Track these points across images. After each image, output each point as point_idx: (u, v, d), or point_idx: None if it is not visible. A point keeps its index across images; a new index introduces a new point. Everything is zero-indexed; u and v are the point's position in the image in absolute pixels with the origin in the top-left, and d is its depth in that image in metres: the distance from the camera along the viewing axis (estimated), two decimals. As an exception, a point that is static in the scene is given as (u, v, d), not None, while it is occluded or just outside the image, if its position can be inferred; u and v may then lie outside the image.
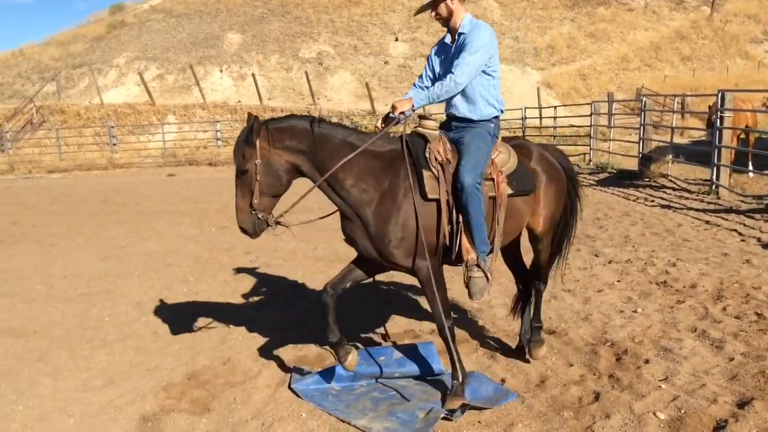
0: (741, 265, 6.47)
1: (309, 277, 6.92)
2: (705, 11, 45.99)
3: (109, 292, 6.70)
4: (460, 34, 3.81)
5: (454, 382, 3.74)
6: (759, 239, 7.60)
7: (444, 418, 3.58)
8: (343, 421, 3.63)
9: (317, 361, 4.57)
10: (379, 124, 3.86)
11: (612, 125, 18.57)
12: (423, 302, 5.54)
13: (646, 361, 4.20)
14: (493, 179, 3.81)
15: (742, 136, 13.30)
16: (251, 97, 33.00)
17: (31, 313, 6.04)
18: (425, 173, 3.63)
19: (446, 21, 3.86)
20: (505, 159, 3.94)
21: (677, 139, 16.26)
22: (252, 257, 8.07)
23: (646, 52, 42.03)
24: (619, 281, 6.24)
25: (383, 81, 37.05)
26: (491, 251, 3.86)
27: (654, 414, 3.49)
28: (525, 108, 22.90)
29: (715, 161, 11.34)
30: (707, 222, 8.93)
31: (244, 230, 3.62)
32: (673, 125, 15.73)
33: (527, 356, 4.37)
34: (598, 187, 13.42)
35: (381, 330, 5.17)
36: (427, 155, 3.69)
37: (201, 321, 5.53)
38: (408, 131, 3.81)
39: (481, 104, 3.86)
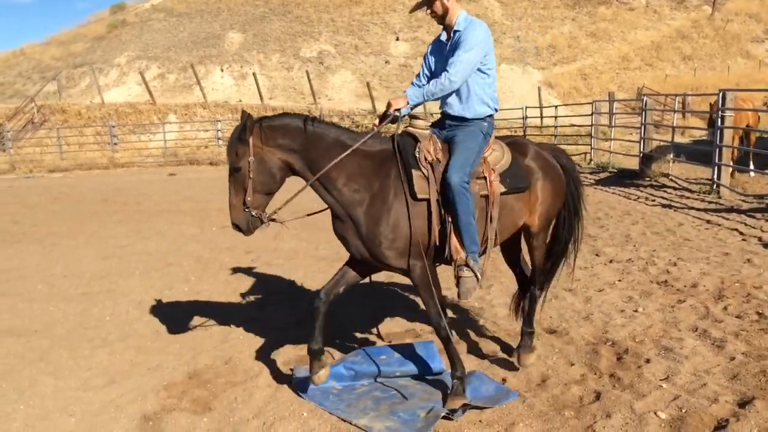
0: (742, 265, 6.46)
1: (310, 277, 6.93)
2: (706, 10, 45.97)
3: (110, 291, 6.71)
4: (455, 31, 3.80)
5: (454, 381, 3.74)
6: (760, 239, 7.59)
7: (445, 417, 3.58)
8: (345, 421, 3.63)
9: (318, 361, 4.57)
10: (376, 122, 3.86)
11: (613, 125, 18.54)
12: (424, 301, 5.54)
13: (647, 361, 4.20)
14: (485, 178, 3.79)
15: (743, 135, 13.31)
16: (252, 96, 33.01)
17: (32, 312, 6.04)
18: (415, 173, 3.62)
19: (442, 19, 3.86)
20: (498, 157, 3.91)
21: (678, 139, 16.24)
22: (253, 257, 8.07)
23: (647, 51, 42.03)
24: (620, 281, 6.24)
25: (384, 80, 37.06)
26: (485, 251, 3.85)
27: (655, 413, 3.49)
28: (526, 107, 22.90)
29: (716, 161, 11.33)
30: (708, 221, 8.92)
31: (237, 227, 3.62)
32: (674, 125, 15.71)
33: (516, 363, 4.27)
34: (599, 186, 13.42)
35: (381, 330, 5.17)
36: (417, 155, 3.68)
37: (202, 320, 5.53)
38: (401, 130, 3.80)
39: (475, 102, 3.85)
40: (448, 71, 3.69)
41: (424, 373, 4.21)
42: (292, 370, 4.36)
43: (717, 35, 43.62)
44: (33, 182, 20.28)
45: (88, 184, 18.62)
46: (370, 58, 39.69)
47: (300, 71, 37.06)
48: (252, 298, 6.35)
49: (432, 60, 4.00)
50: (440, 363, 4.23)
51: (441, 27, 3.95)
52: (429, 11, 3.84)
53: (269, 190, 3.63)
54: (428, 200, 3.62)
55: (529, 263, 4.49)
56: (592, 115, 17.85)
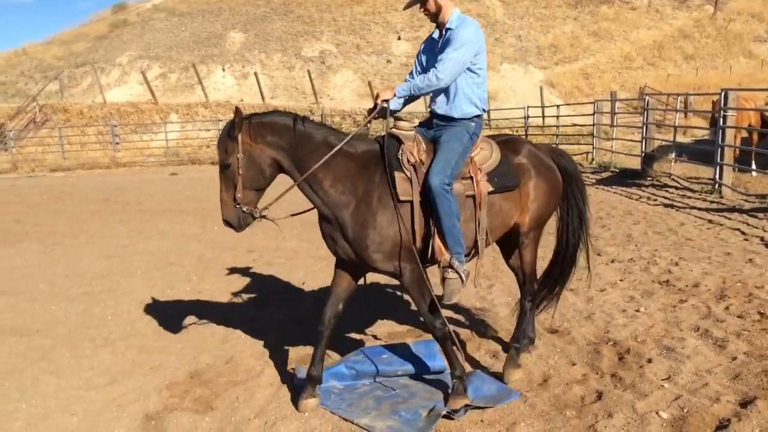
0: (744, 265, 6.45)
1: (311, 277, 6.93)
2: (708, 10, 45.90)
3: (112, 290, 6.72)
4: (447, 29, 3.79)
5: (454, 381, 3.74)
6: (762, 238, 7.58)
7: (446, 417, 3.58)
8: (346, 420, 3.63)
9: (320, 360, 4.57)
10: (366, 114, 3.87)
11: (615, 124, 18.52)
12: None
13: (649, 361, 4.19)
14: (471, 178, 3.77)
15: (745, 134, 13.29)
16: (254, 95, 33.02)
17: (34, 311, 6.05)
18: (398, 175, 3.60)
19: (435, 17, 3.85)
20: (486, 156, 3.88)
21: (680, 138, 16.23)
22: (255, 256, 8.07)
23: (649, 50, 41.98)
24: (621, 280, 6.23)
25: (386, 80, 37.03)
26: (476, 252, 3.82)
27: (656, 413, 3.49)
28: (528, 107, 22.88)
29: (718, 160, 11.32)
30: (710, 221, 8.91)
31: (228, 224, 3.62)
32: (676, 124, 15.70)
33: (503, 378, 4.07)
34: (600, 186, 13.40)
35: (382, 329, 5.17)
36: (400, 156, 3.66)
37: (204, 320, 5.53)
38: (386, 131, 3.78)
39: (463, 102, 3.82)
40: (436, 68, 3.67)
41: (426, 372, 4.21)
42: (293, 369, 4.36)
43: (719, 35, 43.55)
44: (35, 181, 20.31)
45: (89, 184, 18.64)
46: (372, 57, 39.69)
47: (302, 71, 37.07)
48: (253, 297, 6.35)
49: (424, 58, 3.99)
50: (441, 362, 4.22)
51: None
52: (422, 9, 3.83)
53: (259, 186, 3.62)
54: (412, 202, 3.60)
55: (520, 267, 4.33)
56: (594, 114, 17.82)
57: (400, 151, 3.68)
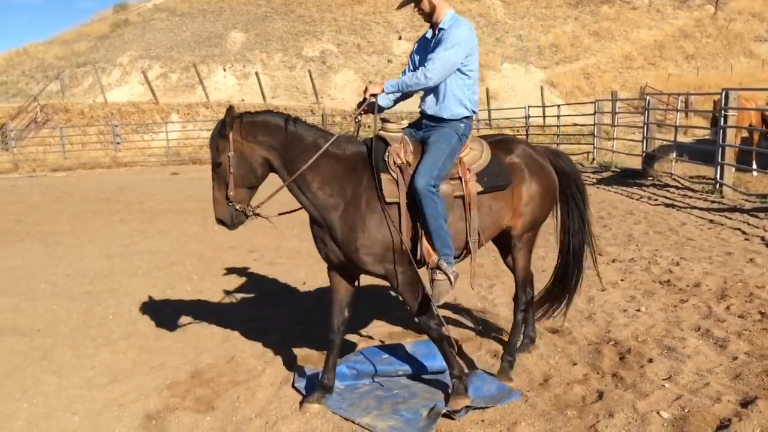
0: (745, 264, 6.45)
1: (312, 276, 6.93)
2: (709, 10, 45.85)
3: (113, 290, 6.72)
4: (440, 29, 3.78)
5: (454, 381, 3.74)
6: (763, 238, 7.58)
7: (447, 416, 3.58)
8: (347, 420, 3.63)
9: (320, 360, 4.55)
10: (355, 106, 3.87)
11: (615, 124, 18.53)
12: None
13: (650, 360, 4.19)
14: (460, 178, 3.75)
15: (745, 134, 13.28)
16: (255, 95, 33.04)
17: (36, 311, 6.06)
18: (384, 176, 3.59)
19: (429, 16, 3.84)
20: (475, 156, 3.86)
21: (681, 138, 16.22)
22: (255, 256, 8.08)
23: (650, 50, 41.94)
24: (622, 280, 6.23)
25: (386, 80, 37.00)
26: (467, 253, 3.82)
27: (657, 413, 3.49)
28: (528, 107, 22.88)
29: (719, 160, 11.31)
30: (711, 221, 8.91)
31: (221, 222, 3.63)
32: (677, 124, 15.71)
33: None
34: (601, 185, 13.40)
35: (382, 330, 5.17)
36: (386, 158, 3.65)
37: (204, 319, 5.54)
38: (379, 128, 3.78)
39: (452, 103, 3.81)
40: (425, 66, 3.67)
41: (426, 372, 4.22)
42: (294, 369, 4.36)
43: (720, 34, 43.50)
44: (36, 181, 20.33)
45: (91, 184, 18.66)
46: (373, 57, 39.69)
47: (302, 71, 37.07)
48: (254, 297, 6.36)
49: (417, 57, 3.98)
50: (441, 361, 4.20)
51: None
52: (416, 8, 3.83)
53: (251, 185, 3.62)
54: (399, 204, 3.60)
55: (514, 271, 4.29)
56: (594, 114, 17.82)
57: (387, 153, 3.66)
